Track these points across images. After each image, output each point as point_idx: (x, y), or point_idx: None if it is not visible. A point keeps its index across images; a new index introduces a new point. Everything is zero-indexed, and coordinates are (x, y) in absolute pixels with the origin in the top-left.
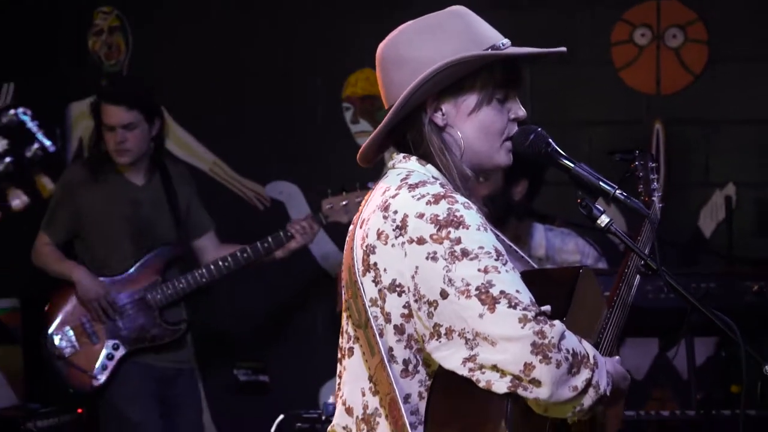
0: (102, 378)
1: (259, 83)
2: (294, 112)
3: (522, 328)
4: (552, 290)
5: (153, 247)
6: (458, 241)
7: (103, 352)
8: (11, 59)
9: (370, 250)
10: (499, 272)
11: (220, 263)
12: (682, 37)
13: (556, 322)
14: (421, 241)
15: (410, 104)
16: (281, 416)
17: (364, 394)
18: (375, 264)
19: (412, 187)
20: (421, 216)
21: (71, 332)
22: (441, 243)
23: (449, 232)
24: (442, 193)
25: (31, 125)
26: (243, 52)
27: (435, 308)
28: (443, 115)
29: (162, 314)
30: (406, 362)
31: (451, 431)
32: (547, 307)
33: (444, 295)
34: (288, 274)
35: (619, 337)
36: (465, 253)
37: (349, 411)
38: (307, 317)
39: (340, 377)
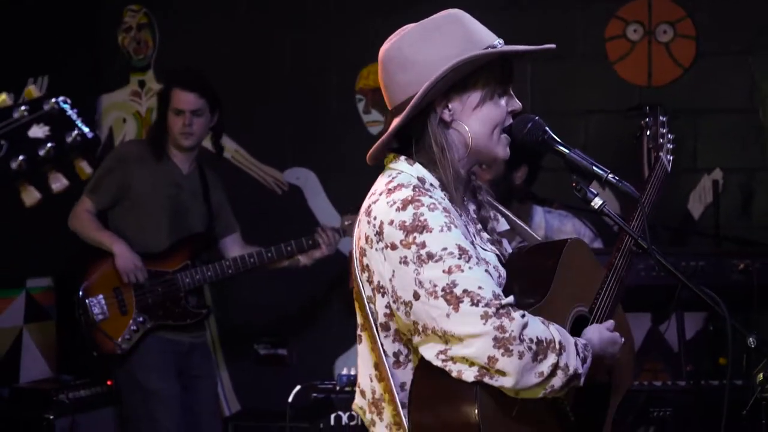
0: (125, 347)
1: (277, 76)
2: (310, 103)
3: (484, 324)
4: (540, 261)
5: (186, 232)
6: (423, 245)
7: (130, 323)
8: (46, 54)
9: (363, 252)
10: (462, 271)
11: (247, 258)
12: (672, 32)
13: (516, 314)
14: (393, 246)
15: (418, 105)
16: (298, 387)
17: (371, 380)
18: (367, 266)
19: (390, 192)
20: (391, 223)
21: (103, 299)
22: (409, 248)
23: (415, 237)
24: (409, 198)
25: (71, 113)
26: (263, 47)
27: (410, 308)
28: (450, 111)
29: (187, 297)
30: (396, 354)
31: (431, 413)
32: (509, 299)
33: (416, 296)
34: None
35: (614, 307)
36: (430, 256)
37: (362, 393)
38: (322, 294)
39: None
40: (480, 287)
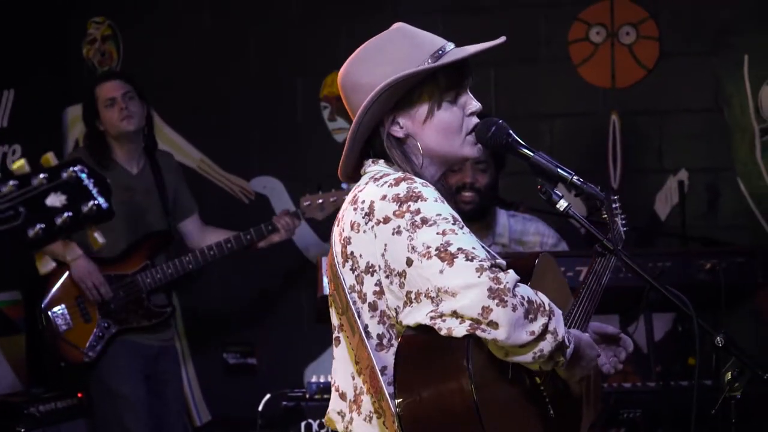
0: (92, 354)
1: (242, 85)
2: (275, 111)
3: (479, 276)
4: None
5: (143, 233)
6: (418, 211)
7: (95, 330)
8: (11, 68)
9: (346, 242)
10: (456, 233)
11: (206, 251)
12: (635, 34)
13: (510, 271)
14: (386, 219)
15: (364, 126)
16: (268, 395)
17: (353, 378)
18: (351, 253)
19: (377, 179)
20: (384, 197)
21: (66, 310)
22: (403, 217)
23: (409, 206)
24: (402, 176)
25: (88, 182)
26: (227, 57)
27: (404, 278)
28: (401, 127)
29: (150, 297)
30: (380, 336)
31: (419, 388)
32: (501, 261)
33: (409, 263)
34: (273, 263)
35: (588, 321)
36: (424, 221)
37: (342, 396)
38: (291, 303)
39: (333, 368)
40: (474, 248)
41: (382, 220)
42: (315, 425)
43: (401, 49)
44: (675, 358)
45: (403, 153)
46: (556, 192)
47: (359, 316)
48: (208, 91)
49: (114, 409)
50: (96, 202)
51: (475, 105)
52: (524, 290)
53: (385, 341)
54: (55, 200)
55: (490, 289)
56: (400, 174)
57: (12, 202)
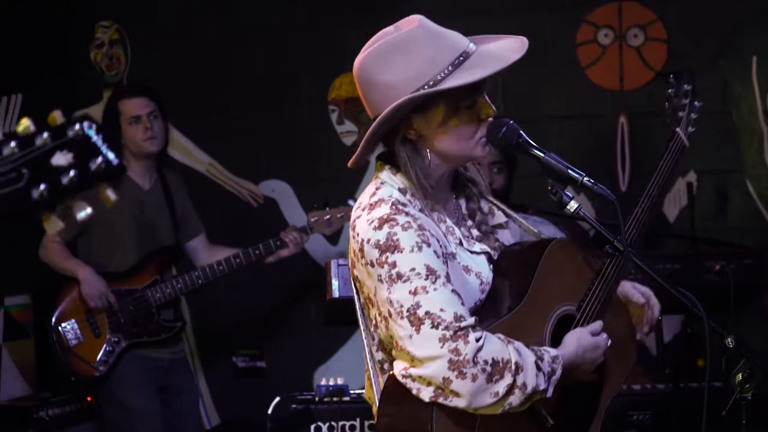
0: (103, 369)
1: (250, 89)
2: (284, 114)
3: (441, 347)
4: (523, 260)
5: (153, 248)
6: (394, 265)
7: (105, 345)
8: (19, 72)
9: (353, 264)
10: (427, 292)
11: (215, 266)
12: (643, 36)
13: (472, 337)
14: (372, 264)
15: (381, 132)
16: (277, 398)
17: (367, 379)
18: (357, 277)
19: (371, 207)
20: (368, 242)
21: (76, 324)
22: (383, 267)
23: (387, 258)
24: (385, 216)
25: (96, 139)
26: (235, 60)
27: (387, 324)
28: (415, 130)
29: (160, 312)
30: (381, 362)
31: (394, 410)
32: (470, 320)
33: (389, 314)
34: (282, 267)
35: (608, 303)
36: (399, 276)
37: (369, 385)
38: (300, 306)
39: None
40: (442, 309)
41: (369, 263)
42: (324, 428)
43: (423, 51)
44: (684, 360)
45: (413, 155)
46: (567, 193)
47: (365, 338)
48: (216, 94)
49: (126, 423)
50: (105, 158)
51: (491, 110)
52: (488, 351)
53: (386, 366)
54: (61, 159)
55: (450, 361)
56: (386, 210)
57: (14, 163)
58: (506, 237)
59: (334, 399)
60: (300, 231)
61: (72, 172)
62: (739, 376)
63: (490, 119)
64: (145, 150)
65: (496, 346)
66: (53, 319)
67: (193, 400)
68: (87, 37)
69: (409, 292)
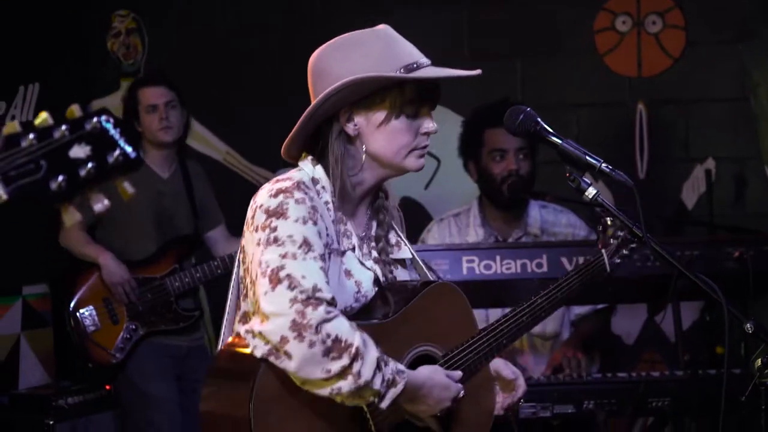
0: (120, 356)
1: (266, 77)
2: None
3: (289, 307)
4: (402, 291)
5: (172, 237)
6: (275, 229)
7: (122, 332)
8: (36, 61)
9: (243, 234)
10: (296, 259)
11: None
12: (661, 23)
13: (322, 308)
14: (257, 229)
15: (320, 113)
16: None
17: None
18: (243, 246)
19: (276, 181)
20: (261, 207)
21: (94, 311)
22: (264, 231)
23: (270, 222)
24: (284, 188)
25: (114, 132)
26: (251, 50)
27: (254, 289)
28: (355, 125)
29: (178, 301)
30: (244, 336)
31: (218, 382)
32: (326, 294)
33: (255, 276)
34: None
35: (483, 362)
36: (275, 240)
37: None
38: None
39: None
40: (303, 276)
41: (255, 228)
42: None
43: (378, 50)
44: (703, 347)
45: (345, 151)
46: (585, 179)
47: (227, 311)
48: (233, 83)
49: (144, 410)
50: (123, 151)
51: (431, 126)
52: (335, 328)
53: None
54: (78, 152)
55: (293, 322)
56: (287, 184)
57: (32, 155)
58: (403, 275)
59: None
60: None
61: (90, 165)
62: (759, 361)
63: (427, 142)
64: (160, 139)
65: (344, 326)
66: (71, 306)
67: None
68: (104, 26)
69: (279, 255)
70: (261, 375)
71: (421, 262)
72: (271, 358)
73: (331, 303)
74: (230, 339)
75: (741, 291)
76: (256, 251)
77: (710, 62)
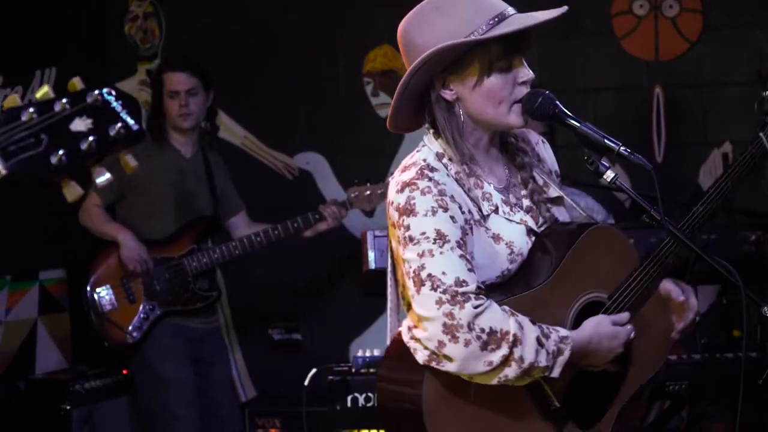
0: (136, 335)
1: (285, 61)
2: (319, 87)
3: (437, 309)
4: (558, 241)
5: (192, 217)
6: (408, 227)
7: (139, 312)
8: (53, 46)
9: (388, 221)
10: (433, 255)
11: (253, 237)
12: (678, 7)
13: (469, 304)
14: (394, 225)
15: (411, 87)
16: (314, 370)
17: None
18: (389, 236)
19: (401, 171)
20: (392, 204)
21: (111, 290)
22: (400, 229)
23: (403, 220)
24: (408, 181)
25: (116, 104)
26: (269, 33)
27: (404, 283)
28: (452, 91)
29: (195, 281)
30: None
31: (390, 373)
32: (470, 287)
33: (404, 274)
34: (318, 239)
35: (640, 303)
36: (411, 239)
37: None
38: (336, 278)
39: None
40: (444, 272)
41: (392, 224)
42: (361, 399)
43: (458, 12)
44: (719, 331)
45: (449, 116)
46: (603, 162)
47: (389, 298)
48: (251, 67)
49: (158, 390)
50: (124, 123)
51: (527, 74)
52: (487, 320)
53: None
54: (80, 125)
55: (444, 325)
56: (410, 175)
57: (32, 129)
58: (562, 214)
59: (371, 370)
60: (339, 205)
61: (91, 138)
62: None
63: (526, 89)
64: (179, 125)
65: (496, 315)
66: (88, 285)
67: (226, 370)
68: (121, 10)
69: (417, 254)
70: (426, 383)
71: (573, 198)
72: (433, 364)
73: (478, 293)
74: (399, 330)
75: (758, 274)
76: (399, 248)
77: (727, 46)
